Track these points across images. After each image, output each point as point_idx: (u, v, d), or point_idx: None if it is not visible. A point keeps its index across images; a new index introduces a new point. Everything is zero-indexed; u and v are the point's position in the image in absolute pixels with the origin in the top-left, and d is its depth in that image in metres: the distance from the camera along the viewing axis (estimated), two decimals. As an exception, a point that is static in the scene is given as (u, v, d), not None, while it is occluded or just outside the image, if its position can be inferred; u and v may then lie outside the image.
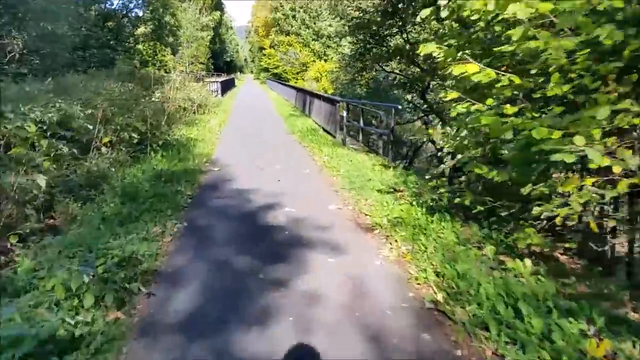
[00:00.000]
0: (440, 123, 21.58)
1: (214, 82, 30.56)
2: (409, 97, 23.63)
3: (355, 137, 13.40)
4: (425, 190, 7.47)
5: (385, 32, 19.44)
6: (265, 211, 6.26)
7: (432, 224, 5.58)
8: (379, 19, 18.38)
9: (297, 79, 57.11)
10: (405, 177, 8.34)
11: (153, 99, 9.69)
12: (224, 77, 59.63)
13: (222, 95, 30.35)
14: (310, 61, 56.63)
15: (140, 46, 31.90)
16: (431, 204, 6.51)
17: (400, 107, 11.46)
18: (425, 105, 20.05)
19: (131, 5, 30.77)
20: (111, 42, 28.67)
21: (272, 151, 11.13)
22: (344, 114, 12.12)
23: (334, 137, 13.08)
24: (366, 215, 6.25)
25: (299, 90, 22.85)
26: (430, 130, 7.70)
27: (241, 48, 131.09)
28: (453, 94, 5.14)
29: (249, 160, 9.77)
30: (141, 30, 32.34)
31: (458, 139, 5.35)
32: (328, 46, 56.83)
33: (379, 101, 25.78)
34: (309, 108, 18.03)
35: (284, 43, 55.92)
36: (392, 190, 7.48)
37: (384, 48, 20.20)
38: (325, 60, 57.05)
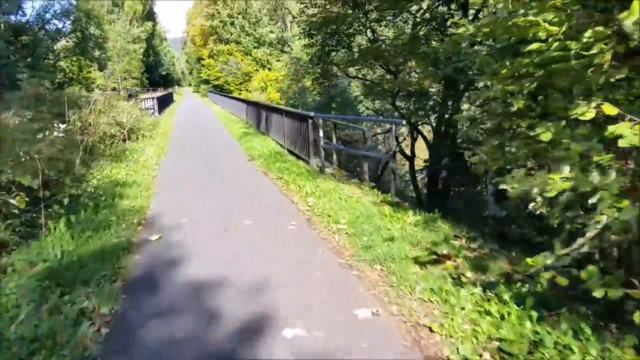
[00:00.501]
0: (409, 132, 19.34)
1: (148, 98, 26.98)
2: (370, 105, 21.19)
3: (327, 159, 10.66)
4: (486, 256, 4.83)
5: (348, 30, 16.89)
6: (250, 343, 3.37)
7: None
8: (338, 11, 15.80)
9: (240, 90, 53.85)
10: (435, 226, 5.68)
11: (55, 132, 6.48)
12: (161, 92, 55.55)
13: (160, 113, 26.84)
14: (254, 70, 53.57)
15: (62, 63, 27.82)
16: (522, 289, 3.87)
17: (404, 121, 8.80)
18: (396, 113, 17.60)
19: (47, 16, 26.67)
20: (27, 59, 24.60)
21: (232, 191, 8.16)
22: (321, 133, 9.35)
23: (307, 162, 10.27)
24: (432, 331, 3.49)
25: (249, 103, 19.87)
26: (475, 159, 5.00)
27: (177, 60, 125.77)
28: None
29: (203, 213, 6.78)
30: (62, 44, 28.28)
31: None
32: (270, 54, 53.99)
33: (344, 112, 23.29)
34: (266, 125, 15.14)
35: (224, 52, 52.58)
36: (434, 257, 4.78)
37: (346, 50, 17.64)
38: (269, 69, 54.19)
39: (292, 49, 51.97)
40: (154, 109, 25.60)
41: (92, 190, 7.41)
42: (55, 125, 6.76)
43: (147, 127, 16.04)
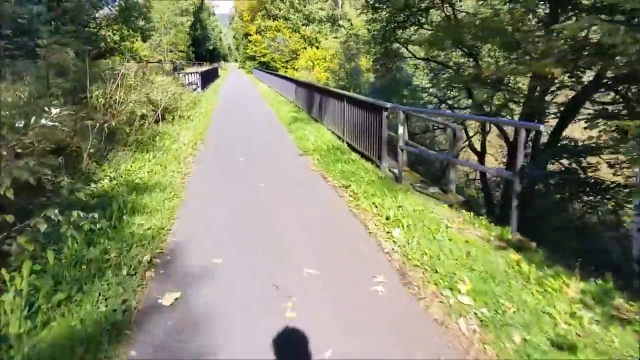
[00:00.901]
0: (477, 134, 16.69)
1: (192, 73, 25.16)
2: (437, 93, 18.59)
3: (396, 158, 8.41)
4: None
5: (420, 4, 14.37)
6: None
7: None
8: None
9: (287, 68, 51.70)
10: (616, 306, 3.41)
11: (43, 120, 4.48)
12: (206, 67, 54.05)
13: (203, 89, 25.01)
14: (301, 48, 51.26)
15: (104, 31, 26.28)
16: None
17: (542, 126, 6.42)
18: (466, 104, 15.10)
19: (90, -19, 25.05)
20: (66, 26, 23.07)
21: (285, 207, 6.03)
22: (401, 130, 7.09)
23: (377, 165, 8.04)
24: None
25: (300, 84, 17.66)
26: None
27: (224, 36, 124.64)
28: None
29: (245, 246, 4.69)
30: (105, 12, 26.73)
31: None
32: (319, 32, 51.49)
33: (406, 101, 20.70)
34: (320, 111, 12.95)
35: (272, 28, 50.44)
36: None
37: (417, 27, 15.16)
38: (317, 47, 51.73)
39: (349, 25, 49.31)
40: (197, 84, 23.77)
41: (96, 197, 5.42)
42: (47, 109, 4.73)
43: (187, 106, 14.10)
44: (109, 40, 26.18)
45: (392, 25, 15.23)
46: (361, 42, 18.54)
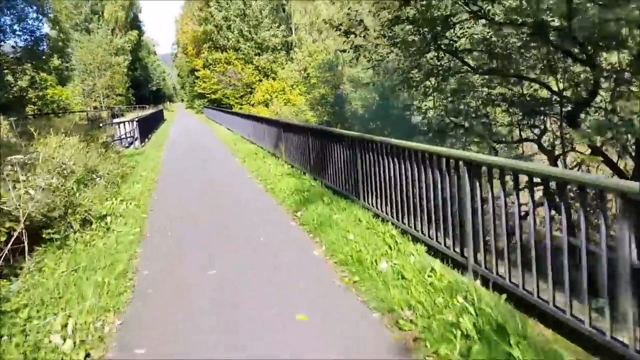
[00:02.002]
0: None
1: (126, 122, 18.72)
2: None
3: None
4: None
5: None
6: None
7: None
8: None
9: (242, 104, 45.81)
10: None
11: None
12: (149, 110, 47.36)
13: (143, 142, 18.64)
14: (256, 81, 45.60)
15: (10, 77, 19.51)
16: None
17: None
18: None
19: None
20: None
21: None
22: None
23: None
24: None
25: (279, 125, 11.66)
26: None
27: (168, 75, 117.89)
28: None
29: None
30: (5, 48, 19.99)
31: None
32: (274, 61, 46.08)
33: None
34: (350, 175, 6.92)
35: (221, 61, 44.59)
36: None
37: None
38: (274, 78, 46.23)
39: (305, 52, 43.97)
40: (132, 137, 17.40)
41: None
42: None
43: (104, 192, 7.78)
44: (12, 87, 19.41)
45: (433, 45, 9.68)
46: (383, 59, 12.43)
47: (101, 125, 16.71)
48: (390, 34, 11.18)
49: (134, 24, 58.90)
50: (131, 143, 17.24)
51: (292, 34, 48.50)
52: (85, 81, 46.10)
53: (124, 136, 18.35)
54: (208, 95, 47.30)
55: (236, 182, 9.66)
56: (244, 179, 9.98)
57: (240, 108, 44.86)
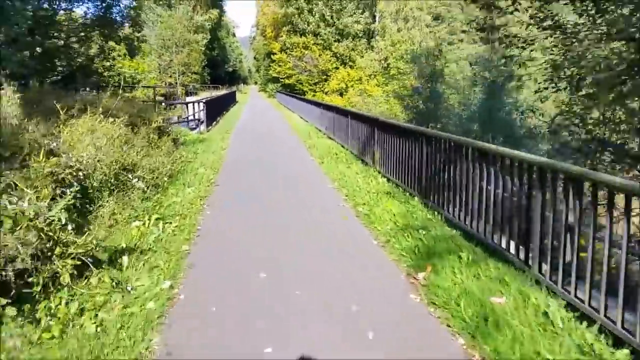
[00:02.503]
0: None
1: (194, 102, 16.90)
2: None
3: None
4: None
5: None
6: None
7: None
8: None
9: (315, 91, 43.65)
10: None
11: None
12: (222, 91, 46.33)
13: (210, 125, 16.75)
14: (332, 68, 43.21)
15: (76, 45, 18.22)
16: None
17: None
18: None
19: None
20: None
21: None
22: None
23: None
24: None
25: (384, 127, 9.13)
26: None
27: (245, 58, 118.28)
28: None
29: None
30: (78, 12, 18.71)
31: None
32: (353, 48, 43.41)
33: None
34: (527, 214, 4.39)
35: (299, 46, 42.55)
36: None
37: None
38: (352, 67, 43.64)
39: (389, 40, 41.13)
40: (198, 120, 15.53)
41: None
42: None
43: (123, 207, 5.64)
44: (79, 55, 18.08)
45: None
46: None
47: (164, 105, 14.85)
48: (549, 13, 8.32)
49: (216, 2, 58.11)
50: (196, 126, 15.36)
51: (374, 21, 45.61)
52: (163, 56, 45.56)
53: (191, 117, 16.55)
54: (282, 80, 45.50)
55: (316, 196, 7.28)
56: (325, 190, 7.60)
57: (314, 95, 42.74)
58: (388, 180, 7.64)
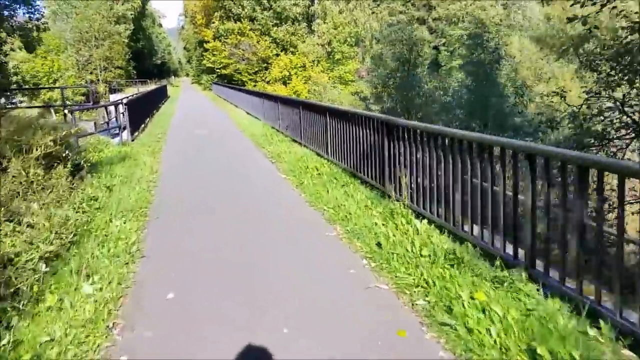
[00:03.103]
0: None
1: (113, 104, 13.10)
2: None
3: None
4: None
5: None
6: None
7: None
8: None
9: (255, 81, 40.00)
10: None
11: None
12: (151, 86, 41.65)
13: (135, 131, 13.06)
14: (273, 55, 39.68)
15: None
16: None
17: None
18: None
19: None
20: None
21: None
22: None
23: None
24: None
25: (344, 116, 6.06)
26: None
27: (174, 49, 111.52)
28: None
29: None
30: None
31: None
32: (294, 33, 40.02)
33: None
34: None
35: (234, 32, 38.58)
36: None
37: None
38: (293, 53, 40.27)
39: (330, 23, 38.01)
40: (119, 127, 11.84)
41: None
42: None
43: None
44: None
45: None
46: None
47: (70, 112, 11.00)
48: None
49: (138, -11, 52.60)
50: (119, 135, 11.71)
51: (313, 3, 42.32)
52: (81, 51, 40.24)
53: (113, 122, 12.83)
54: (218, 70, 41.44)
55: (321, 271, 4.13)
56: (333, 254, 4.45)
57: (254, 85, 39.09)
58: (429, 221, 4.62)
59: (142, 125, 14.90)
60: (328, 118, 8.19)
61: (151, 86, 40.51)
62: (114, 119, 12.38)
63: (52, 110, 15.06)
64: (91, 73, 41.33)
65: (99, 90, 41.47)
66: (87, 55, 40.71)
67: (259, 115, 16.03)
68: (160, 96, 28.90)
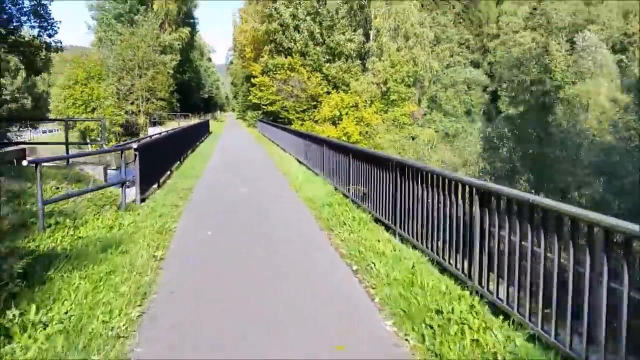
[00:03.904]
0: None
1: (113, 150, 9.58)
2: None
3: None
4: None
5: None
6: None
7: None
8: None
9: (303, 120, 36.75)
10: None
11: None
12: (193, 120, 39.17)
13: (149, 187, 9.45)
14: (323, 93, 36.47)
15: None
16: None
17: None
18: None
19: None
20: None
21: None
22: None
23: None
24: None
25: None
26: None
27: (222, 84, 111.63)
28: None
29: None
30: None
31: None
32: (347, 70, 36.81)
33: None
34: None
35: (284, 67, 35.68)
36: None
37: None
38: (345, 91, 36.97)
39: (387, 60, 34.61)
40: (124, 182, 8.17)
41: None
42: None
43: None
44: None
45: None
46: None
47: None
48: None
49: (187, 20, 51.23)
50: (124, 191, 8.03)
51: (368, 40, 39.22)
52: (123, 80, 38.24)
53: (114, 178, 9.29)
54: (264, 107, 38.49)
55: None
56: None
57: (302, 124, 35.82)
58: None
59: (165, 176, 11.36)
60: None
61: (193, 120, 37.93)
62: (120, 170, 8.83)
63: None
64: (132, 103, 39.15)
65: (138, 122, 39.24)
66: (129, 84, 38.65)
67: (315, 169, 12.22)
68: (200, 132, 25.79)
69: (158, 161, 10.11)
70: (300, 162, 14.57)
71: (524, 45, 54.05)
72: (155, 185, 9.75)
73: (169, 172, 11.87)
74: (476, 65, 62.94)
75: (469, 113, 58.15)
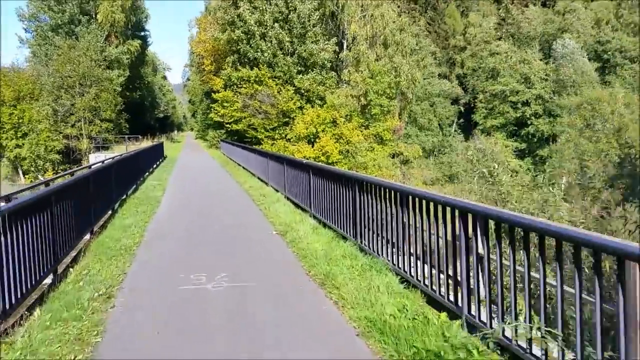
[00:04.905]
0: None
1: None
2: None
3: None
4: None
5: None
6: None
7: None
8: None
9: (274, 139, 32.02)
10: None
11: None
12: (142, 143, 33.81)
13: (50, 289, 4.48)
14: (296, 108, 31.94)
15: None
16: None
17: None
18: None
19: None
20: None
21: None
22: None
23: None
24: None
25: None
26: None
27: (179, 104, 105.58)
28: None
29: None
30: None
31: None
32: (322, 82, 32.47)
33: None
34: None
35: (250, 80, 30.91)
36: None
37: None
38: (320, 106, 32.57)
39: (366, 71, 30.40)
40: None
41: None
42: None
43: None
44: None
45: None
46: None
47: None
48: None
49: (137, 33, 45.68)
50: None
51: (342, 49, 35.11)
52: (60, 99, 32.49)
53: None
54: (228, 126, 33.55)
55: None
56: None
57: (273, 144, 31.13)
58: None
59: (65, 263, 6.33)
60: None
61: (144, 143, 32.53)
62: None
63: None
64: (72, 126, 33.38)
65: (80, 147, 33.47)
66: (69, 104, 32.91)
67: (305, 204, 7.56)
68: (150, 159, 20.62)
69: (53, 234, 5.14)
70: (275, 190, 9.78)
71: (500, 54, 51.49)
72: (36, 296, 4.75)
73: (81, 246, 6.87)
74: (444, 77, 60.26)
75: (441, 128, 55.15)
